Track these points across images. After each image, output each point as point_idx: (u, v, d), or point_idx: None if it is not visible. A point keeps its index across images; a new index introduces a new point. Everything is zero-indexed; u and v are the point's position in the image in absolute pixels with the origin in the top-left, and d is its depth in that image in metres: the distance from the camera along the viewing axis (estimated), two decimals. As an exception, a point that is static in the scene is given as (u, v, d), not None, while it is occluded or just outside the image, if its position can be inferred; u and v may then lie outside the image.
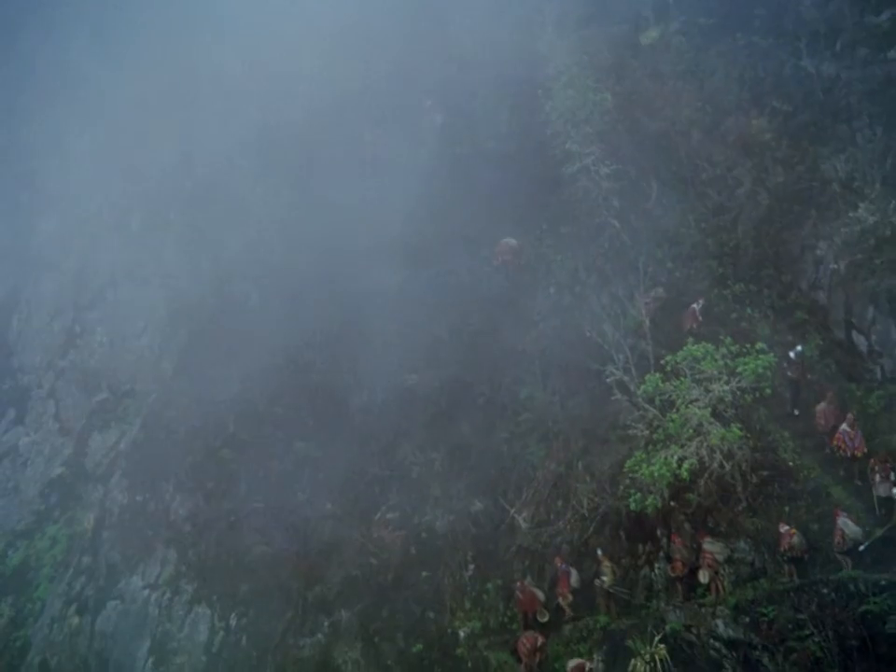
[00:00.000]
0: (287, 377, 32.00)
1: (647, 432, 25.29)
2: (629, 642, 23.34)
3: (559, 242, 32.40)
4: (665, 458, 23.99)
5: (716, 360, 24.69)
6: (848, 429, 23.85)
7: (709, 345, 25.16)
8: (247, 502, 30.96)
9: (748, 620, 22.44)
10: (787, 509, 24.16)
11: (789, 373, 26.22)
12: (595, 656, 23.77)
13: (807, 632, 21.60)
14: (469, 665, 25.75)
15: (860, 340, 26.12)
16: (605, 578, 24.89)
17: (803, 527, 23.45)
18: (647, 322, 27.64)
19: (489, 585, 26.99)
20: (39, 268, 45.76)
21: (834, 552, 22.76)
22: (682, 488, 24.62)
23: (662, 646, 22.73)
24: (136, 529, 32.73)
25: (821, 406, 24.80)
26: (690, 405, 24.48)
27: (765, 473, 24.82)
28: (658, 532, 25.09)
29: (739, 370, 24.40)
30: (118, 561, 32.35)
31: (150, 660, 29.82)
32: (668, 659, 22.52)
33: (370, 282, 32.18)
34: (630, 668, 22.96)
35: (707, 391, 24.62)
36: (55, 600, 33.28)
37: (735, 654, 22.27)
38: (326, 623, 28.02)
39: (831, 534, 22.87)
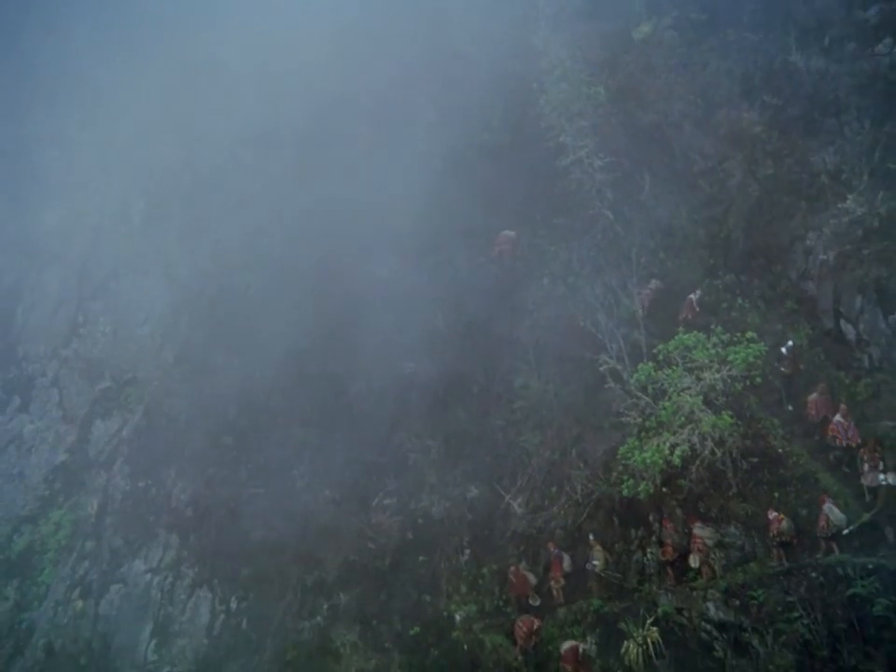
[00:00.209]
0: (286, 366, 31.87)
1: (639, 420, 25.30)
2: (622, 625, 23.47)
3: (553, 233, 32.35)
4: (658, 445, 24.05)
5: (707, 349, 24.74)
6: (842, 420, 23.89)
7: (701, 335, 25.24)
8: (247, 488, 30.92)
9: (738, 603, 22.53)
10: (776, 494, 24.21)
11: (782, 368, 26.25)
12: (588, 638, 23.87)
13: (796, 614, 21.68)
14: (465, 647, 25.73)
15: (848, 329, 26.08)
16: (596, 562, 24.97)
17: (792, 513, 23.54)
18: (639, 311, 27.73)
19: (484, 570, 27.01)
20: (43, 259, 45.47)
21: (818, 536, 22.84)
22: (674, 474, 24.64)
23: (654, 628, 22.89)
24: (138, 514, 32.71)
25: (813, 397, 24.85)
26: (682, 393, 24.53)
27: (755, 460, 24.86)
28: (650, 517, 25.14)
29: (730, 358, 24.44)
30: (120, 546, 32.29)
31: (153, 642, 29.84)
32: (660, 641, 22.69)
33: (368, 273, 32.17)
34: (623, 650, 23.11)
35: (699, 379, 24.65)
36: (59, 584, 33.19)
37: (725, 636, 22.35)
38: (325, 607, 28.04)
39: (818, 519, 22.93)
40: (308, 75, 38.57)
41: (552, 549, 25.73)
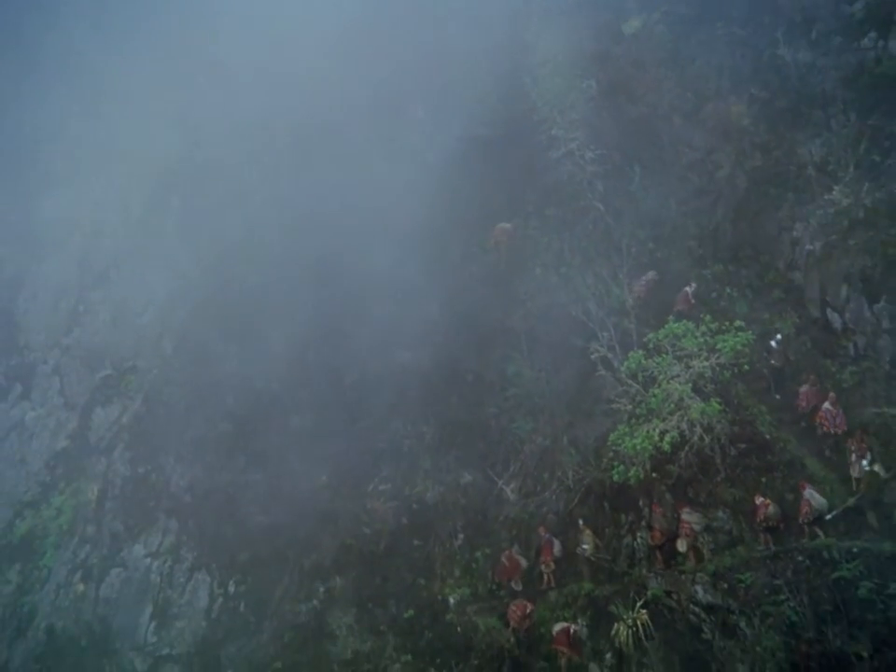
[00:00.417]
0: (283, 355, 31.76)
1: (630, 407, 25.29)
2: (612, 607, 23.55)
3: (545, 224, 32.28)
4: (648, 432, 24.09)
5: (696, 338, 24.74)
6: (831, 408, 23.87)
7: (690, 323, 25.25)
8: (245, 474, 30.93)
9: (726, 586, 22.57)
10: (764, 480, 24.25)
11: (772, 361, 26.20)
12: (579, 621, 23.96)
13: (783, 597, 21.74)
14: (459, 629, 25.78)
15: (834, 318, 26.03)
16: (586, 546, 25.04)
17: (779, 498, 23.58)
18: (630, 301, 27.67)
19: (478, 554, 27.06)
20: (44, 249, 45.19)
21: (801, 522, 22.88)
22: (664, 460, 24.66)
23: (643, 611, 22.93)
24: (138, 500, 32.68)
25: (803, 388, 24.84)
26: (671, 381, 24.57)
27: (743, 446, 24.90)
28: (640, 502, 25.16)
29: (719, 346, 24.45)
30: (120, 530, 32.27)
31: (152, 625, 29.86)
32: (650, 623, 22.73)
33: (364, 263, 31.98)
34: (613, 632, 23.16)
35: (688, 367, 24.68)
36: (61, 568, 33.16)
37: (713, 619, 22.40)
38: (321, 590, 28.06)
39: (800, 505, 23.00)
40: (305, 69, 38.31)
41: (542, 534, 25.73)
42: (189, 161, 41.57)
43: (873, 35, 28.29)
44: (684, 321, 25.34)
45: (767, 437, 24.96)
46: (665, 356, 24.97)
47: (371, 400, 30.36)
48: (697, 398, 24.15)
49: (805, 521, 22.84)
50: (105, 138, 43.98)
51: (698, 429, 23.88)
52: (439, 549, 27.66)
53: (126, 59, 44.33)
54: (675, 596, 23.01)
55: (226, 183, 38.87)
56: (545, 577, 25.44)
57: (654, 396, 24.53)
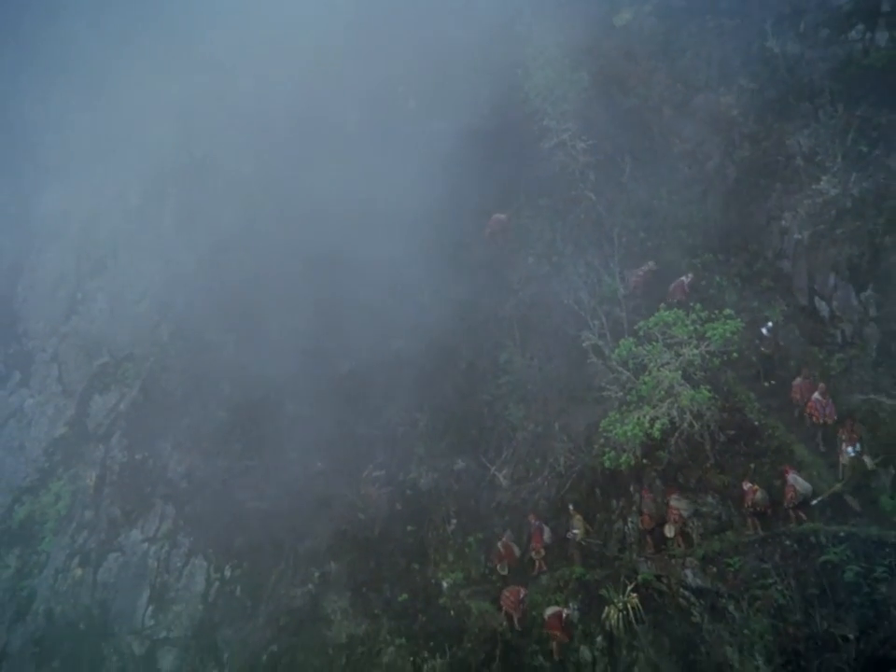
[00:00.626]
0: (278, 343, 31.62)
1: (621, 394, 25.23)
2: (603, 591, 23.54)
3: (537, 214, 32.24)
4: (638, 418, 24.04)
5: (686, 326, 24.67)
6: (820, 398, 23.74)
7: (680, 312, 25.19)
8: (241, 460, 30.83)
9: (715, 570, 22.62)
10: (752, 465, 24.21)
11: (762, 349, 26.14)
12: (571, 604, 23.94)
13: (771, 581, 21.82)
14: (452, 613, 25.75)
15: (822, 306, 25.99)
16: (576, 531, 25.03)
17: (767, 483, 23.53)
18: (622, 290, 27.58)
19: (471, 539, 27.00)
20: (43, 238, 45.27)
21: (786, 507, 22.88)
22: (654, 446, 24.69)
23: (634, 595, 22.98)
24: (136, 486, 32.55)
25: (797, 381, 24.65)
26: (661, 368, 24.51)
27: (732, 432, 24.86)
28: (631, 488, 25.16)
29: (708, 334, 24.41)
30: (118, 516, 32.14)
31: (150, 608, 29.77)
32: (640, 607, 22.78)
33: (358, 253, 31.94)
34: (604, 616, 23.18)
35: (678, 355, 24.65)
36: (59, 552, 33.07)
37: (702, 602, 22.43)
38: (316, 575, 27.98)
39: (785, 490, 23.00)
40: (301, 62, 38.19)
41: (532, 521, 25.72)
42: (186, 152, 41.49)
43: (860, 27, 28.18)
44: (674, 309, 25.28)
45: (756, 423, 24.91)
46: (655, 343, 24.89)
47: (365, 388, 30.31)
48: (687, 385, 24.13)
49: (791, 505, 22.81)
50: (102, 130, 44.03)
51: (688, 416, 23.88)
52: (432, 534, 27.63)
53: (124, 52, 44.21)
54: (665, 580, 23.06)
55: (222, 174, 38.78)
56: (536, 563, 25.41)
57: (645, 383, 24.43)
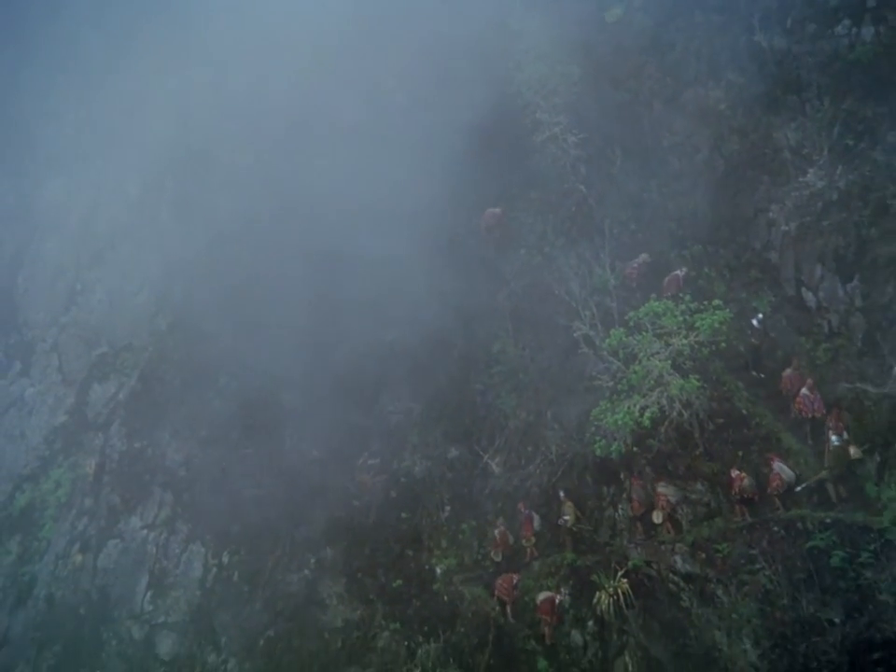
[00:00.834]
0: (273, 332, 31.44)
1: (611, 383, 25.17)
2: (594, 577, 23.66)
3: (529, 206, 32.06)
4: (629, 407, 24.04)
5: (676, 316, 24.73)
6: (808, 393, 23.70)
7: (670, 302, 25.29)
8: (238, 449, 30.65)
9: (704, 556, 22.77)
10: (740, 453, 24.24)
11: (752, 340, 26.06)
12: (562, 590, 24.01)
13: (758, 566, 21.98)
14: (446, 598, 25.79)
15: (808, 296, 25.90)
16: (567, 517, 25.04)
17: (754, 471, 23.59)
18: (612, 280, 27.47)
19: (464, 525, 27.02)
20: (42, 230, 44.83)
21: (771, 494, 22.97)
22: (644, 435, 24.64)
23: (624, 580, 23.08)
24: (134, 474, 32.33)
25: (787, 373, 24.60)
26: (651, 358, 24.49)
27: (721, 421, 24.87)
28: (621, 476, 25.20)
29: (697, 325, 24.43)
30: (117, 503, 31.95)
31: (148, 594, 29.67)
32: (630, 592, 22.90)
33: (353, 245, 31.56)
34: (595, 601, 23.29)
35: (668, 345, 24.63)
36: (59, 539, 32.89)
37: (691, 587, 22.60)
38: (312, 561, 27.95)
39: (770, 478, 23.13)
40: (295, 55, 37.92)
41: (522, 509, 25.75)
42: (183, 146, 41.02)
43: (846, 22, 27.95)
44: (664, 300, 25.35)
45: (744, 412, 24.93)
46: (645, 333, 24.89)
47: (360, 378, 30.14)
48: (676, 374, 24.08)
49: (776, 493, 22.90)
50: (102, 124, 43.76)
51: (677, 405, 23.81)
52: (426, 521, 27.61)
53: (123, 47, 43.84)
54: (655, 566, 23.20)
55: (220, 168, 38.44)
56: (528, 550, 25.44)
57: (635, 372, 24.41)
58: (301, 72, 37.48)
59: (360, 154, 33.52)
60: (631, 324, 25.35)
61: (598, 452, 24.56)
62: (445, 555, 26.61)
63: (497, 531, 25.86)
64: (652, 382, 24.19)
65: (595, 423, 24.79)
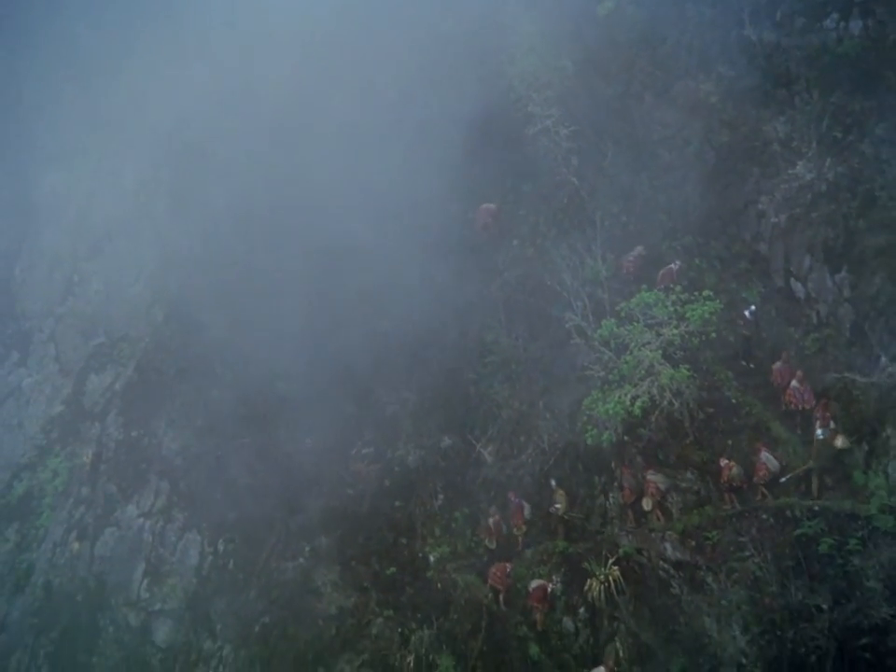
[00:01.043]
0: (269, 324, 31.21)
1: (603, 373, 25.11)
2: (585, 564, 23.66)
3: (521, 198, 32.02)
4: (620, 397, 24.01)
5: (666, 307, 24.73)
6: (798, 385, 23.70)
7: (660, 293, 25.26)
8: (234, 438, 30.43)
9: (693, 543, 22.76)
10: (730, 442, 24.25)
11: (743, 331, 25.98)
12: (554, 577, 24.01)
13: (747, 553, 21.96)
14: (439, 586, 25.74)
15: (797, 287, 25.84)
16: (559, 506, 25.02)
17: (744, 459, 23.55)
18: (605, 272, 27.52)
19: (457, 514, 26.99)
20: (40, 221, 44.66)
21: (756, 483, 23.03)
22: (635, 424, 24.62)
23: (615, 568, 23.10)
24: (131, 463, 32.13)
25: (777, 365, 24.55)
26: (642, 348, 24.49)
27: (711, 410, 24.85)
28: (612, 464, 25.15)
29: (688, 315, 24.44)
30: (114, 492, 31.75)
31: (145, 581, 29.49)
32: (621, 579, 22.92)
33: (348, 236, 31.54)
34: (586, 588, 23.29)
35: (658, 335, 24.62)
36: (57, 527, 32.74)
37: (681, 574, 22.61)
38: (307, 549, 27.80)
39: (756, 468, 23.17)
40: (289, 49, 37.73)
41: (512, 498, 25.70)
42: (179, 139, 40.85)
43: (835, 16, 27.83)
44: (655, 291, 25.29)
45: (733, 401, 24.91)
46: (636, 324, 24.89)
47: (354, 368, 29.92)
48: (667, 364, 24.06)
49: (761, 482, 22.95)
50: (98, 115, 43.37)
51: (668, 394, 23.74)
52: (419, 509, 27.56)
53: (120, 42, 43.53)
54: (645, 553, 23.21)
55: (215, 161, 38.18)
56: (519, 539, 25.45)
57: (626, 362, 24.40)
58: (296, 67, 37.30)
59: (354, 148, 33.37)
60: (622, 315, 25.33)
61: (590, 441, 24.54)
62: (438, 543, 26.58)
63: (490, 520, 25.81)
64: (643, 372, 24.16)
65: (587, 412, 24.79)
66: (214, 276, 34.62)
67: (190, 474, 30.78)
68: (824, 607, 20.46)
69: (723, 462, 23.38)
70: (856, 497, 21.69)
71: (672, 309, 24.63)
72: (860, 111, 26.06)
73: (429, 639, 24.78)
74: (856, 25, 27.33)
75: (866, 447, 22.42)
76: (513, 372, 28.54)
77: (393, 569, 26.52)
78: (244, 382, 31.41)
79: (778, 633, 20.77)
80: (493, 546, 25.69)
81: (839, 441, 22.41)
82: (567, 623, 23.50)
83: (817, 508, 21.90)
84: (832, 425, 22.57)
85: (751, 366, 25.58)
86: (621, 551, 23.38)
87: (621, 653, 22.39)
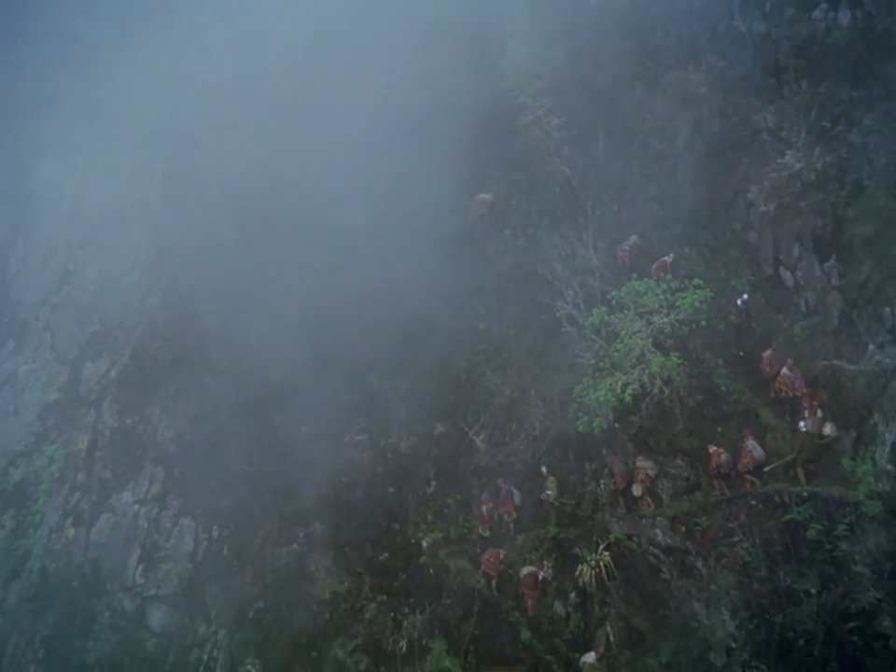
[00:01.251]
0: (263, 312, 30.99)
1: (594, 361, 25.03)
2: (576, 550, 23.56)
3: (514, 187, 31.86)
4: (610, 384, 23.95)
5: (657, 295, 24.67)
6: (789, 373, 23.60)
7: (651, 281, 25.18)
8: (228, 425, 30.27)
9: (683, 529, 22.72)
10: (719, 429, 24.20)
11: (734, 319, 25.83)
12: (545, 563, 23.98)
13: (737, 539, 21.94)
14: (432, 571, 25.67)
15: (786, 275, 25.66)
16: (550, 492, 24.91)
17: (733, 446, 23.48)
18: (594, 261, 27.32)
19: (449, 500, 26.90)
20: (35, 211, 44.47)
21: (740, 471, 23.01)
22: (626, 411, 24.51)
23: (606, 553, 23.00)
24: (126, 450, 31.89)
25: (767, 353, 24.46)
26: (633, 336, 24.43)
27: (700, 397, 24.74)
28: (603, 451, 25.03)
29: (678, 303, 24.41)
30: (109, 478, 31.50)
31: (140, 567, 29.28)
32: (612, 564, 22.85)
33: (342, 225, 31.20)
34: (577, 573, 23.20)
35: (649, 323, 24.56)
36: (53, 513, 32.50)
37: (671, 559, 22.56)
38: (301, 535, 27.74)
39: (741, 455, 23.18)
40: (283, 39, 37.38)
41: (502, 485, 25.62)
42: (174, 128, 40.50)
43: (823, 6, 27.64)
44: (646, 279, 25.20)
45: (723, 388, 24.81)
46: (627, 312, 24.86)
47: (348, 356, 29.75)
48: (657, 352, 24.02)
49: (745, 470, 22.93)
50: (93, 105, 43.15)
51: (658, 382, 23.70)
52: (412, 496, 27.47)
53: (114, 30, 43.21)
54: (636, 539, 23.15)
55: (210, 150, 37.85)
56: (511, 525, 25.36)
57: (617, 350, 24.35)
58: (290, 58, 36.93)
59: (347, 139, 33.08)
60: (613, 303, 25.29)
61: (581, 428, 24.44)
62: (431, 529, 26.48)
63: (483, 508, 25.74)
64: (634, 359, 24.11)
65: (578, 400, 24.69)
66: (209, 265, 34.29)
67: (185, 461, 30.54)
68: (812, 591, 20.47)
69: (712, 449, 23.32)
70: (844, 484, 21.62)
71: (662, 297, 24.56)
72: (848, 101, 25.88)
73: (422, 624, 24.78)
74: (844, 16, 27.13)
75: (854, 434, 22.36)
76: (505, 360, 28.47)
77: (386, 555, 26.48)
78: (238, 370, 31.25)
79: (767, 617, 20.72)
80: (486, 534, 25.61)
81: (827, 429, 22.43)
82: (559, 607, 23.45)
83: (805, 494, 21.82)
84: (819, 413, 22.52)
85: (741, 354, 25.46)
86: (611, 536, 23.30)
87: (611, 638, 22.37)
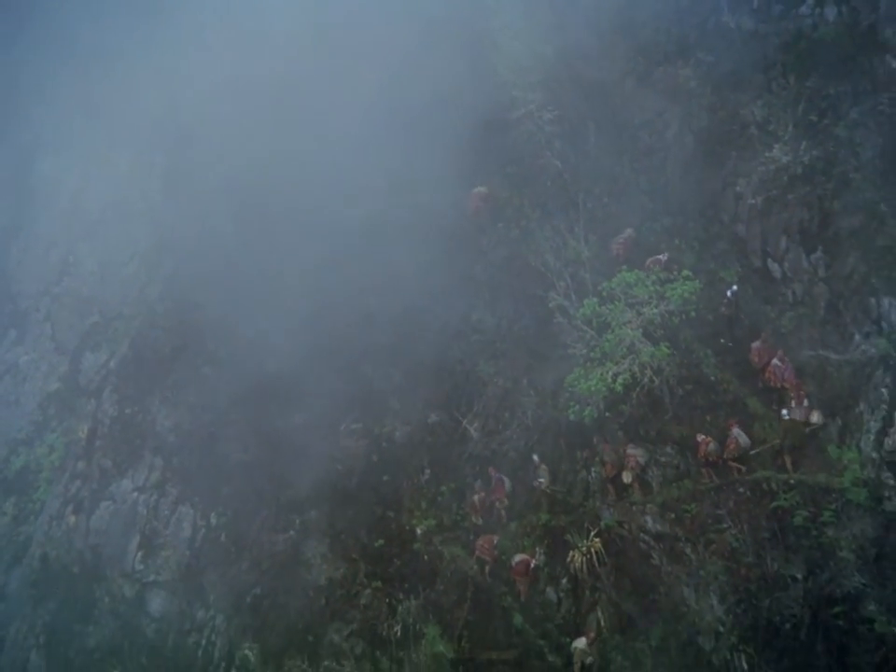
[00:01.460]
0: (260, 303, 30.85)
1: (585, 351, 24.92)
2: (568, 537, 23.49)
3: (506, 181, 31.59)
4: (601, 374, 23.84)
5: (647, 286, 24.56)
6: (779, 363, 23.46)
7: (641, 273, 25.04)
8: (226, 415, 30.12)
9: (673, 516, 22.65)
10: (708, 418, 24.11)
11: (723, 310, 25.74)
12: (537, 549, 23.90)
13: (725, 525, 21.92)
14: (426, 558, 25.53)
15: (774, 267, 25.58)
16: (542, 480, 24.81)
17: (722, 435, 23.36)
18: (586, 253, 27.24)
19: (443, 488, 26.69)
20: (36, 204, 44.39)
21: (725, 458, 22.94)
22: (616, 400, 24.40)
23: (597, 540, 22.91)
24: (126, 439, 31.74)
25: (756, 344, 24.34)
26: (623, 326, 24.35)
27: (690, 387, 24.65)
28: (594, 440, 24.90)
29: (668, 294, 24.28)
30: (109, 466, 31.36)
31: (139, 554, 29.16)
32: (603, 551, 22.75)
33: (336, 217, 31.23)
34: (568, 559, 23.11)
35: (639, 314, 24.47)
36: (54, 501, 32.38)
37: (661, 546, 22.49)
38: (297, 522, 27.56)
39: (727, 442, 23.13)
40: (279, 35, 37.19)
41: (493, 473, 25.50)
42: (171, 121, 40.33)
43: (810, 2, 27.63)
44: (636, 270, 25.13)
45: (712, 378, 24.74)
46: (617, 303, 24.72)
47: (342, 344, 29.65)
48: (648, 342, 23.96)
49: (731, 457, 22.87)
50: (93, 100, 42.96)
51: (648, 372, 23.64)
52: (407, 484, 27.26)
53: (115, 27, 43.10)
54: (626, 526, 23.03)
55: (206, 142, 37.68)
56: (503, 512, 25.24)
57: (608, 341, 24.26)
58: (286, 52, 36.75)
59: (343, 132, 32.93)
60: (604, 294, 25.16)
61: (572, 417, 24.36)
62: (425, 517, 26.32)
63: (476, 497, 25.60)
64: (624, 349, 24.05)
65: (570, 389, 24.57)
66: (207, 257, 34.11)
67: (184, 450, 30.44)
68: (799, 576, 20.49)
69: (700, 437, 23.22)
70: (830, 471, 21.58)
71: (652, 289, 24.46)
72: (834, 95, 25.83)
73: (416, 609, 24.67)
74: (831, 12, 27.11)
75: (840, 422, 22.31)
76: (498, 351, 28.29)
77: (381, 542, 26.32)
78: (236, 360, 31.06)
79: (754, 602, 20.72)
80: (479, 522, 25.48)
81: (814, 417, 22.37)
82: (550, 593, 23.33)
83: (792, 481, 21.80)
84: (805, 402, 22.47)
85: (730, 344, 25.39)
86: (602, 523, 23.20)
87: (602, 622, 22.25)
